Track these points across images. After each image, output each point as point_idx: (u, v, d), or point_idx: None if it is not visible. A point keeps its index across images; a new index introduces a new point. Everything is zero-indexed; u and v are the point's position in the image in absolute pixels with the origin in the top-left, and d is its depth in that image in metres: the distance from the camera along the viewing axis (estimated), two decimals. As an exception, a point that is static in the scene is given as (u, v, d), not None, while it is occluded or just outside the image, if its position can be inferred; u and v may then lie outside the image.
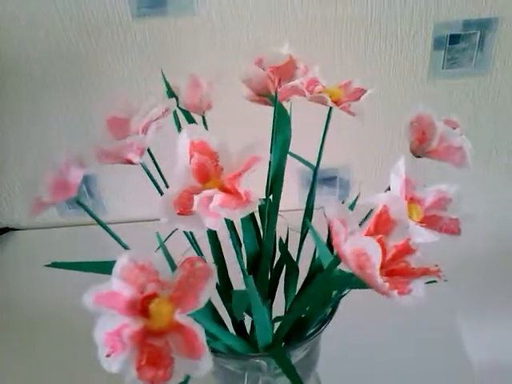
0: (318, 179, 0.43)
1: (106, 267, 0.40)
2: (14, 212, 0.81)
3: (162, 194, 0.37)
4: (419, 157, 0.37)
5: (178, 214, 0.29)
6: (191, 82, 0.44)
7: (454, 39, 0.66)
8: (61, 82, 0.71)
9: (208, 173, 0.32)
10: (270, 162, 0.42)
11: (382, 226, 0.29)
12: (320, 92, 0.43)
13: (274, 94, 0.46)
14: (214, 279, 0.28)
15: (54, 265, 0.38)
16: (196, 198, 0.29)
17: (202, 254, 0.44)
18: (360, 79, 0.44)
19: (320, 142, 0.44)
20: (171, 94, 0.45)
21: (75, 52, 0.68)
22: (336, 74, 0.69)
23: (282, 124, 0.44)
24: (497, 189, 0.79)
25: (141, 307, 0.28)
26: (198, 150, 0.31)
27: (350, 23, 0.66)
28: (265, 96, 0.47)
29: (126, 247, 0.39)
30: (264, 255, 0.44)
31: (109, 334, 0.26)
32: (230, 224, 0.43)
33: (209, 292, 0.27)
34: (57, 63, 0.70)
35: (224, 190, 0.30)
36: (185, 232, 0.42)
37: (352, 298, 0.38)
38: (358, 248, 0.26)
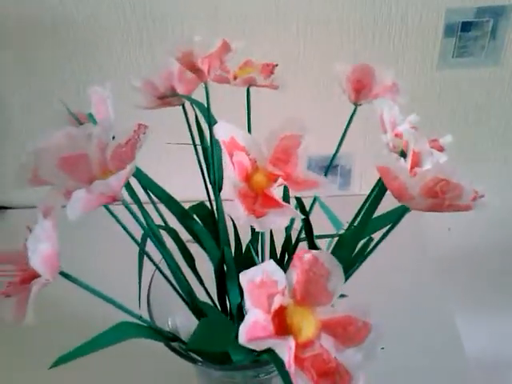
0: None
1: (108, 338, 0.33)
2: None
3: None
4: (360, 105, 0.41)
5: (256, 217, 0.26)
6: (97, 99, 0.38)
7: (466, 27, 0.61)
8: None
9: (247, 169, 0.29)
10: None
11: (413, 161, 0.32)
12: (235, 76, 0.43)
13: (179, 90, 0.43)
14: (336, 264, 0.26)
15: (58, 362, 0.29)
16: (271, 191, 0.27)
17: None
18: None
19: (246, 125, 0.43)
20: (76, 119, 0.38)
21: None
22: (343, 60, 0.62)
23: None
24: (501, 182, 0.75)
25: (277, 326, 0.25)
26: (232, 147, 0.28)
27: (358, 8, 0.60)
28: (170, 96, 0.43)
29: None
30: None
31: (288, 363, 0.22)
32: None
33: (338, 278, 0.26)
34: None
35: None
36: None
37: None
38: (431, 179, 0.28)
